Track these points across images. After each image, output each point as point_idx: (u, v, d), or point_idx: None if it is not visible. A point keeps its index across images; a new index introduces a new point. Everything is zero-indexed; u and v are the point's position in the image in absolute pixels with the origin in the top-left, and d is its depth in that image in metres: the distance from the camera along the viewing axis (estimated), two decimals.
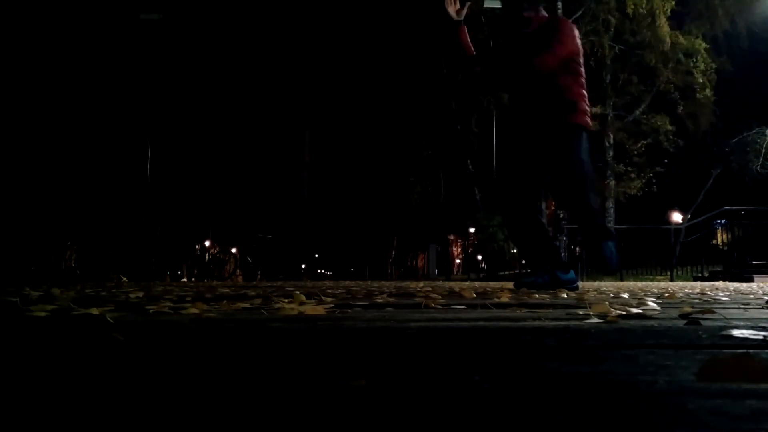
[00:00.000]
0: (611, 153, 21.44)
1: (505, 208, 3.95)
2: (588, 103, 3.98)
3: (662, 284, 7.73)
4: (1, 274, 11.59)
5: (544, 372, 0.69)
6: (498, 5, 17.96)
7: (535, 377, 0.66)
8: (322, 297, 2.58)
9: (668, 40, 18.46)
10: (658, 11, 18.17)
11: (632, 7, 18.02)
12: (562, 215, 19.77)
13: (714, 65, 19.26)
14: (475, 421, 0.47)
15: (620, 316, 1.46)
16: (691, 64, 19.04)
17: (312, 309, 1.66)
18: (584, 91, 3.93)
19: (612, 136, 21.25)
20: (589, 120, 3.97)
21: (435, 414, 0.49)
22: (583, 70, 3.95)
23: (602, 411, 0.50)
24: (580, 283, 4.82)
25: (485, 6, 17.91)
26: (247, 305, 1.93)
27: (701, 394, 0.56)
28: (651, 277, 13.86)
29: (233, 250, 24.03)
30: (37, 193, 18.71)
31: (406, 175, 28.80)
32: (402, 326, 1.27)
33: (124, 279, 9.84)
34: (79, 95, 20.90)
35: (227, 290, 3.83)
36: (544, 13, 3.99)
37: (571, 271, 3.91)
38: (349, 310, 1.76)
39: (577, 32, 3.95)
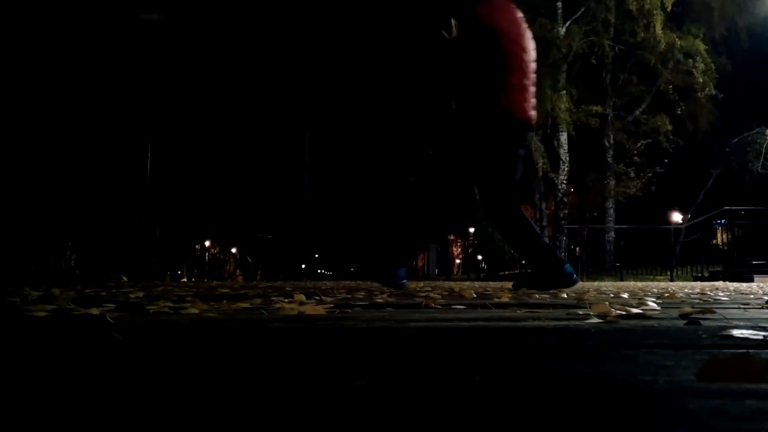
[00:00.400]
0: (611, 153, 21.43)
1: (487, 213, 3.82)
2: (519, 89, 3.65)
3: (662, 284, 7.73)
4: (1, 274, 11.59)
5: (544, 372, 0.69)
6: None
7: (535, 377, 0.66)
8: (322, 297, 2.58)
9: (663, 40, 18.44)
10: (655, 12, 18.16)
11: (634, 4, 18.01)
12: (562, 215, 19.76)
13: (714, 65, 19.24)
14: (475, 421, 0.47)
15: (620, 316, 1.46)
16: (691, 64, 19.01)
17: (312, 309, 1.66)
18: (517, 79, 3.63)
19: (612, 136, 21.24)
20: (513, 107, 3.63)
21: (435, 414, 0.49)
22: (515, 56, 3.62)
23: (602, 411, 0.50)
24: (581, 283, 4.82)
25: None
26: (247, 305, 1.93)
27: (701, 394, 0.56)
28: (651, 277, 13.85)
29: (233, 250, 24.02)
30: (37, 193, 18.71)
31: (406, 175, 28.77)
32: (402, 326, 1.27)
33: (124, 279, 9.84)
34: (79, 95, 20.90)
35: (227, 290, 3.82)
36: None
37: (568, 265, 3.76)
38: (349, 310, 1.76)
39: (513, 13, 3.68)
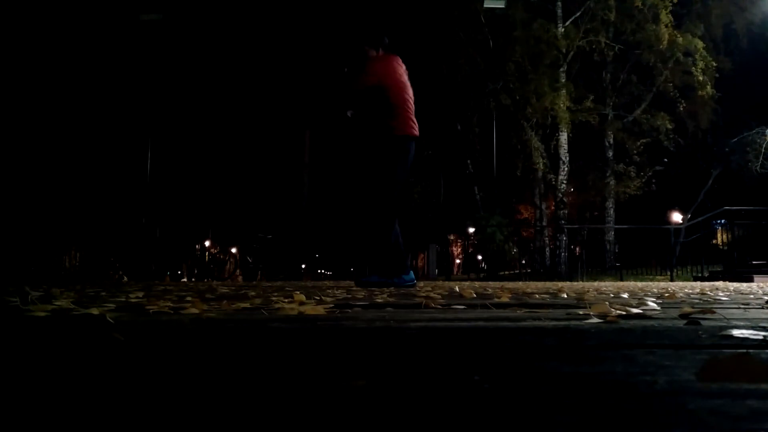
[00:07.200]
0: (611, 152, 21.43)
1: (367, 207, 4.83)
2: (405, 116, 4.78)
3: (662, 284, 7.73)
4: (1, 274, 11.59)
5: (544, 372, 0.69)
6: (499, 5, 17.95)
7: (535, 377, 0.66)
8: (322, 297, 2.58)
9: (667, 37, 18.41)
10: (659, 6, 18.16)
11: (639, 1, 18.02)
12: (562, 215, 19.76)
13: (714, 63, 19.22)
14: (476, 421, 0.47)
15: (620, 316, 1.46)
16: (690, 63, 19.00)
17: (312, 309, 1.66)
18: (399, 110, 4.79)
19: (612, 136, 21.23)
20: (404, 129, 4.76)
21: (435, 414, 0.49)
22: (396, 93, 4.76)
23: (602, 411, 0.50)
24: (581, 283, 4.90)
25: (485, 6, 17.91)
26: (247, 305, 1.93)
27: (701, 394, 0.56)
28: (651, 277, 13.86)
29: (233, 250, 24.02)
30: (38, 194, 18.71)
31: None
32: (402, 326, 1.27)
33: (125, 279, 9.84)
34: (79, 96, 20.90)
35: (227, 290, 3.82)
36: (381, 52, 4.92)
37: (411, 273, 4.74)
38: (349, 310, 1.76)
39: (396, 66, 4.85)
